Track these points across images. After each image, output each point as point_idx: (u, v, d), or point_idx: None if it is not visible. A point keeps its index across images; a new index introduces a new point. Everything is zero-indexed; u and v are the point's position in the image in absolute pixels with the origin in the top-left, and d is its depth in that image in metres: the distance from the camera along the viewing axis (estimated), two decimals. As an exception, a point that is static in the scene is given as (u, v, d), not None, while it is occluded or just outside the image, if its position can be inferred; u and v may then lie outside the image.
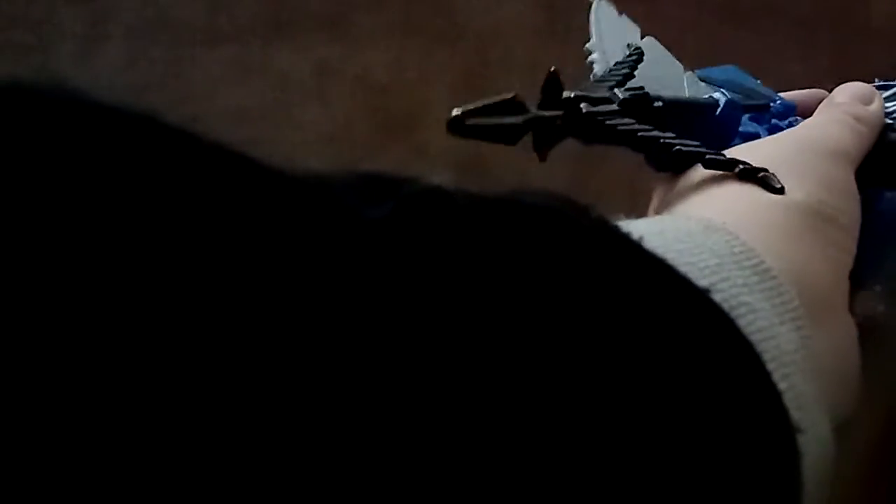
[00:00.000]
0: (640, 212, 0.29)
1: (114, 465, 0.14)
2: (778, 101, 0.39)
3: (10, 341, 0.13)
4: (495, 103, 0.29)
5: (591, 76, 0.36)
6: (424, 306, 0.17)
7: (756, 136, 0.36)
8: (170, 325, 0.14)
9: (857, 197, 0.31)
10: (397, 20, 0.99)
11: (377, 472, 0.15)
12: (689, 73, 0.38)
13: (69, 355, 0.14)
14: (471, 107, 0.29)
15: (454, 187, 0.20)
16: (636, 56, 0.36)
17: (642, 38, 0.38)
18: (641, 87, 0.34)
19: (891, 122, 0.36)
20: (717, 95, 0.37)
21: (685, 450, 0.19)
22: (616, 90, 0.34)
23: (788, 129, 0.35)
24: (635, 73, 0.35)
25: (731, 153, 0.31)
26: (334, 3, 0.98)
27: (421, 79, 0.98)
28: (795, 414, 0.23)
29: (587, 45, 0.37)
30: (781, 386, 0.23)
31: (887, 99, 0.38)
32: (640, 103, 0.33)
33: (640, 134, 0.32)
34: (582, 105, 0.32)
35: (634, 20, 0.39)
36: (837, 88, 0.37)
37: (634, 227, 0.23)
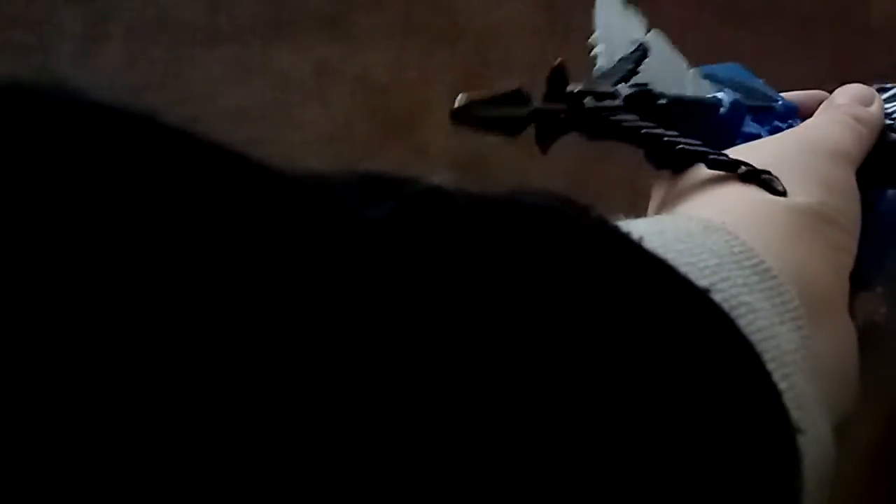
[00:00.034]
0: (640, 212, 0.29)
1: (114, 465, 0.14)
2: (780, 102, 0.38)
3: (10, 341, 0.13)
4: (500, 94, 0.29)
5: (595, 69, 0.36)
6: (424, 306, 0.17)
7: (757, 137, 0.35)
8: (169, 325, 0.14)
9: (858, 198, 0.31)
10: (397, 20, 0.98)
11: (377, 471, 0.15)
12: (694, 70, 0.38)
13: (69, 355, 0.14)
14: (476, 96, 0.29)
15: (454, 187, 0.20)
16: (641, 52, 0.36)
17: (647, 31, 0.38)
18: (646, 84, 0.34)
19: (891, 122, 0.36)
20: (721, 94, 0.36)
21: (685, 450, 0.19)
22: (620, 86, 0.33)
23: (789, 130, 0.35)
24: (639, 69, 0.35)
25: (731, 153, 0.31)
26: (334, 3, 0.98)
27: (421, 79, 0.98)
28: (795, 414, 0.23)
29: (591, 38, 0.37)
30: (782, 386, 0.23)
31: (887, 100, 0.38)
32: (644, 100, 0.33)
33: (643, 131, 0.32)
34: (586, 100, 0.32)
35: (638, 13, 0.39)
36: (837, 90, 0.37)
37: (634, 227, 0.23)
